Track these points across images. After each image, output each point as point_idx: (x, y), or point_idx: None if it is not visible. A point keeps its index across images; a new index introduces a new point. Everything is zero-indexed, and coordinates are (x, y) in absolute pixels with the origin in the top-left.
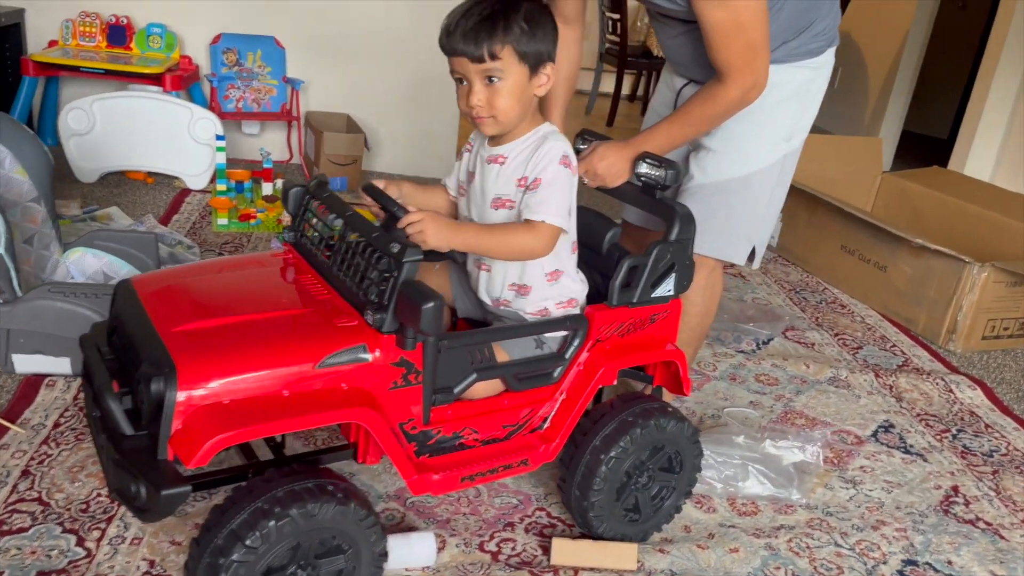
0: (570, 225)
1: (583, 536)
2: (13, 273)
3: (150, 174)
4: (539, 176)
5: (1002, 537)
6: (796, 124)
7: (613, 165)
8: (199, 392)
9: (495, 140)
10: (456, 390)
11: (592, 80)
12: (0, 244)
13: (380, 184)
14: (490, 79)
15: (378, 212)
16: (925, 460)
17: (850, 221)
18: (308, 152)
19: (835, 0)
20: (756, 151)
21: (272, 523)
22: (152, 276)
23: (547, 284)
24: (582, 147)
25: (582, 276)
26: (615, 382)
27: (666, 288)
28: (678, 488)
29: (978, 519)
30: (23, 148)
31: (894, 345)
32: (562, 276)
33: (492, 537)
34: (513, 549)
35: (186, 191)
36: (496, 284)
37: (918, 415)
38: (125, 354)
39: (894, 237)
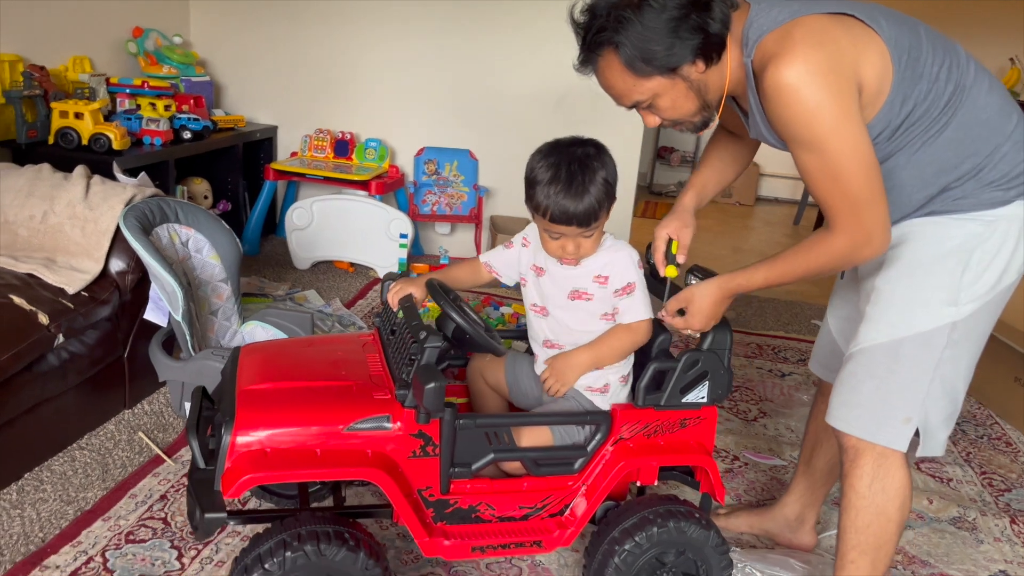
0: None
1: None
2: (188, 336)
3: (352, 264)
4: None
5: None
6: (959, 288)
7: (704, 306)
8: (248, 439)
9: None
10: (474, 467)
11: (802, 191)
12: (178, 312)
13: (396, 285)
14: None
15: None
16: None
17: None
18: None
19: None
20: (907, 315)
21: (288, 554)
22: (256, 345)
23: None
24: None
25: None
26: (655, 482)
27: (698, 395)
28: None
29: None
30: (219, 238)
31: None
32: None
33: None
34: None
35: (376, 279)
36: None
37: None
38: (221, 404)
39: None
